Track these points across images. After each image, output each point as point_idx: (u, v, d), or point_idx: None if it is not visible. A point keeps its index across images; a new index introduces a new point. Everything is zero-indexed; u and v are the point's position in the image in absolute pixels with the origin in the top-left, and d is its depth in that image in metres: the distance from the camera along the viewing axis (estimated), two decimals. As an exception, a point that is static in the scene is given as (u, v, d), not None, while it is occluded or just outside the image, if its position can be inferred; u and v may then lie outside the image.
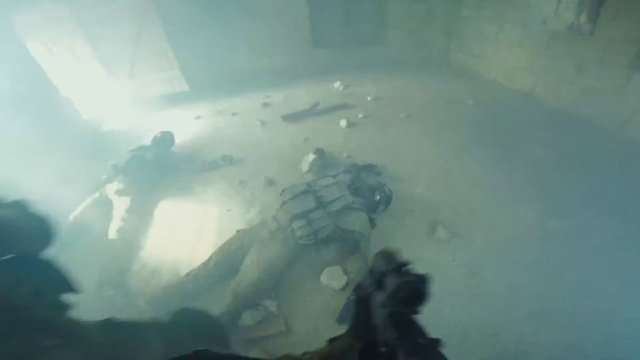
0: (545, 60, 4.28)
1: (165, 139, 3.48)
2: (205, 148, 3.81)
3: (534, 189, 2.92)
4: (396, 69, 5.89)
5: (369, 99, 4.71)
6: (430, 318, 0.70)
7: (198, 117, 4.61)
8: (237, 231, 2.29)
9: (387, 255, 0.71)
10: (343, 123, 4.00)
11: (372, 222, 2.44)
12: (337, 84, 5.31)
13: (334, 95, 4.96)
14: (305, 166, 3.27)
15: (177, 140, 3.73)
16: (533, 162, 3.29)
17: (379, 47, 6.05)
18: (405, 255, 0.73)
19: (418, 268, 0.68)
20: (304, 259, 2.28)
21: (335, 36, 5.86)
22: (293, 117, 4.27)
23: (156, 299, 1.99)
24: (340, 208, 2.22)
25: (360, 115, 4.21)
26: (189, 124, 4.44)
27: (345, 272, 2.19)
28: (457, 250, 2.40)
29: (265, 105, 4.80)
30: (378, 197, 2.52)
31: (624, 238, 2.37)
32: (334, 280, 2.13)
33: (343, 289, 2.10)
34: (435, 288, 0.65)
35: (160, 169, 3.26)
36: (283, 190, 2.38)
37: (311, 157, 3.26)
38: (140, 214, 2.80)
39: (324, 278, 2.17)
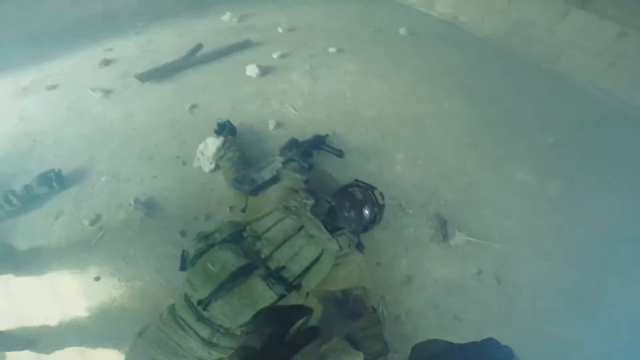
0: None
1: None
2: (6, 163, 1.83)
3: (512, 138, 2.35)
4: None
5: (279, 30, 3.18)
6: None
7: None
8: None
9: None
10: (253, 69, 2.48)
11: (360, 248, 1.38)
12: (226, 16, 3.52)
13: (226, 32, 3.22)
14: (204, 162, 1.77)
15: None
16: (495, 102, 2.65)
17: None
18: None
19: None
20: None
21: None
22: (158, 74, 2.48)
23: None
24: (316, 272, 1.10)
25: (275, 55, 2.73)
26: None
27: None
28: (477, 255, 1.66)
29: (106, 63, 2.70)
30: (368, 212, 1.37)
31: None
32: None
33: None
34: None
35: None
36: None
37: (211, 143, 1.77)
38: None
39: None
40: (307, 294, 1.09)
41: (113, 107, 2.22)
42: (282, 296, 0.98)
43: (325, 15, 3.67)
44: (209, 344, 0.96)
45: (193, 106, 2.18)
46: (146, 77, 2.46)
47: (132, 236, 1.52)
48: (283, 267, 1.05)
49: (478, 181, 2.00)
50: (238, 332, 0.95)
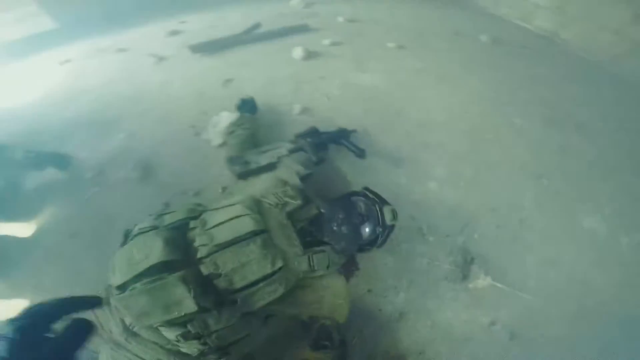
0: (583, 1, 2.98)
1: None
2: (47, 110, 2.03)
3: (591, 176, 1.79)
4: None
5: (340, 19, 2.98)
6: None
7: (66, 62, 2.65)
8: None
9: None
10: (298, 52, 2.32)
11: (352, 269, 1.18)
12: (295, 1, 3.47)
13: (289, 15, 3.15)
14: (214, 135, 1.67)
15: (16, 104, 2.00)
16: (580, 128, 2.05)
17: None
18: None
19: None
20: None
21: None
22: (210, 47, 2.49)
23: None
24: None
25: (326, 42, 2.53)
26: (48, 74, 2.48)
27: None
28: (497, 304, 1.32)
29: (174, 33, 2.86)
30: (368, 231, 1.08)
31: None
32: None
33: None
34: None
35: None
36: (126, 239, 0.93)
37: (226, 117, 1.66)
38: None
39: None
40: (246, 313, 0.85)
41: (160, 72, 2.30)
42: (205, 309, 0.76)
43: (393, 11, 3.35)
44: (129, 331, 0.80)
45: (228, 80, 2.11)
46: (198, 49, 2.49)
47: (120, 199, 1.47)
48: (219, 275, 0.82)
49: (532, 220, 1.54)
50: (143, 333, 0.77)
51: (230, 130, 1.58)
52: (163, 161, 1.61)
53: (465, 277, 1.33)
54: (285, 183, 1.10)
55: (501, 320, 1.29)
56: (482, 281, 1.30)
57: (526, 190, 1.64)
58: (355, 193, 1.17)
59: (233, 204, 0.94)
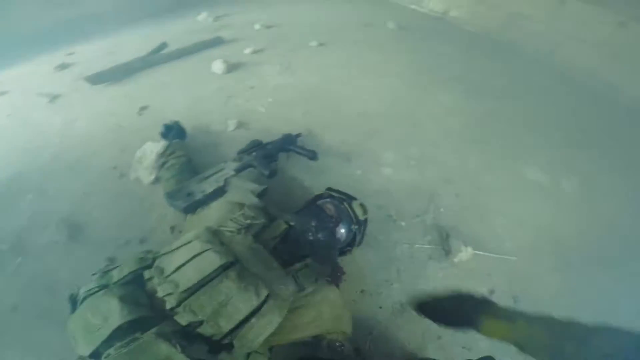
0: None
1: None
2: None
3: (517, 134, 2.00)
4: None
5: (256, 27, 2.89)
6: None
7: None
8: None
9: None
10: (218, 66, 2.16)
11: (336, 276, 1.13)
12: (202, 16, 3.27)
13: (199, 31, 2.93)
14: (142, 172, 1.43)
15: None
16: (495, 96, 2.30)
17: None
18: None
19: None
20: None
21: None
22: (112, 75, 2.17)
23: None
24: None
25: (247, 51, 2.42)
26: None
27: None
28: (488, 272, 1.33)
29: (62, 67, 2.42)
30: (344, 231, 1.03)
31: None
32: None
33: None
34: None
35: None
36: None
37: (151, 149, 1.44)
38: None
39: None
40: (249, 354, 0.73)
41: (56, 113, 1.92)
42: None
43: (308, 11, 3.40)
44: None
45: (143, 108, 1.86)
46: (97, 79, 2.15)
47: (53, 264, 1.20)
48: (200, 323, 0.69)
49: (483, 183, 1.65)
50: None
51: (161, 163, 1.38)
52: (90, 215, 1.34)
53: (447, 252, 1.32)
54: (241, 205, 0.98)
55: (498, 286, 1.28)
56: (464, 253, 1.29)
57: (470, 157, 1.76)
58: (320, 196, 1.10)
59: (188, 242, 0.80)
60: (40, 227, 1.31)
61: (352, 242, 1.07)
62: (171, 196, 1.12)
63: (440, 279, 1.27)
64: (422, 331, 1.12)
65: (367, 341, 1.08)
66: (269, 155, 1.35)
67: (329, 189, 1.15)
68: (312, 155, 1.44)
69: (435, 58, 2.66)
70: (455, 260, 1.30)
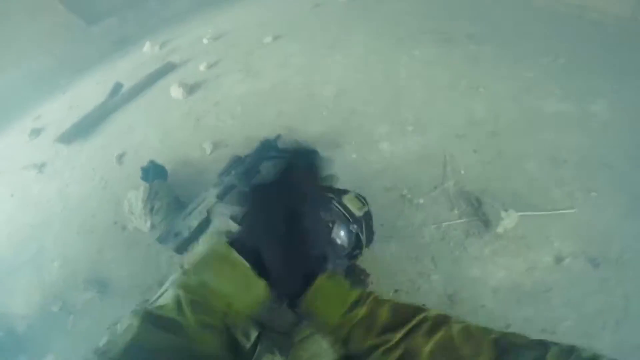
0: None
1: None
2: None
3: (514, 69, 1.74)
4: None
5: (205, 41, 2.75)
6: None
7: None
8: None
9: None
10: (177, 92, 2.04)
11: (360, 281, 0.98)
12: (146, 47, 3.13)
13: (148, 63, 2.81)
14: (138, 221, 1.35)
15: None
16: (471, 37, 2.07)
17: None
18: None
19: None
20: None
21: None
22: (81, 129, 2.09)
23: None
24: None
25: (202, 67, 2.28)
26: None
27: None
28: (546, 235, 1.07)
29: (36, 133, 2.38)
30: (343, 234, 0.85)
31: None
32: None
33: None
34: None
35: None
36: None
37: (135, 197, 1.36)
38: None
39: None
40: None
41: (48, 182, 1.94)
42: None
43: (252, 10, 3.25)
44: None
45: (120, 156, 1.78)
46: (68, 138, 2.07)
47: (98, 316, 1.25)
48: None
49: (499, 129, 1.44)
50: None
51: (150, 208, 1.28)
52: (110, 270, 1.37)
53: (486, 223, 1.08)
54: (228, 233, 0.88)
55: (566, 250, 1.02)
56: (508, 219, 1.04)
57: (472, 104, 1.59)
58: (300, 199, 0.95)
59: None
60: (74, 287, 1.36)
61: (358, 244, 0.89)
62: (161, 240, 1.03)
63: (487, 258, 1.04)
64: (484, 322, 0.95)
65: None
66: (250, 170, 1.22)
67: (310, 186, 0.96)
68: (296, 154, 1.31)
69: (396, 16, 2.51)
70: (499, 230, 1.06)
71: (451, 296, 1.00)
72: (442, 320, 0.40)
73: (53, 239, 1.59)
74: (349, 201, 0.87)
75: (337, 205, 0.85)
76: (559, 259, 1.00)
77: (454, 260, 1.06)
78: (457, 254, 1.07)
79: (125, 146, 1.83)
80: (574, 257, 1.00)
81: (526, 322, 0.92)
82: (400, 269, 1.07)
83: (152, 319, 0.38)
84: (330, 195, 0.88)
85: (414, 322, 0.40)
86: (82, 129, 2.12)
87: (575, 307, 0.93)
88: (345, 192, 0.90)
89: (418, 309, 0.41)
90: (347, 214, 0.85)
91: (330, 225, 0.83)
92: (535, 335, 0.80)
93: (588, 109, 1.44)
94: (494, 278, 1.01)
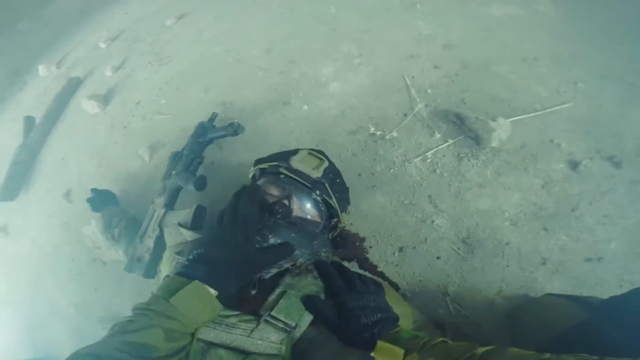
0: None
1: None
2: None
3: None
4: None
5: (102, 45, 2.35)
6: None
7: None
8: None
9: None
10: (91, 106, 1.77)
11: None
12: (42, 70, 2.70)
13: (50, 86, 2.41)
14: (108, 253, 1.24)
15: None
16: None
17: None
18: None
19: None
20: None
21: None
22: (16, 182, 1.84)
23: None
24: None
25: (108, 72, 2.00)
26: None
27: None
28: (549, 137, 0.98)
29: None
30: (310, 206, 0.70)
31: None
32: None
33: None
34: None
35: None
36: None
37: (92, 230, 1.22)
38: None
39: None
40: None
41: (18, 241, 1.73)
42: None
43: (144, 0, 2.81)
44: None
45: (67, 193, 1.60)
46: (9, 193, 1.83)
47: None
48: None
49: (453, 39, 1.35)
50: None
51: (111, 236, 1.15)
52: (114, 305, 1.31)
53: (477, 139, 0.94)
54: (185, 243, 0.80)
55: (578, 151, 0.90)
56: (500, 130, 0.91)
57: (416, 22, 1.47)
58: (254, 181, 0.82)
59: None
60: (94, 329, 1.30)
61: (331, 211, 0.75)
62: (128, 269, 0.96)
63: (492, 181, 0.92)
64: (517, 261, 0.83)
65: (448, 303, 0.82)
66: (191, 162, 1.10)
67: (257, 161, 0.80)
68: (234, 129, 1.13)
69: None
70: (494, 144, 0.94)
71: (466, 240, 0.88)
72: (491, 352, 0.40)
73: (55, 289, 1.48)
74: (299, 163, 0.72)
75: (286, 172, 0.70)
76: (573, 164, 0.90)
77: (455, 194, 0.92)
78: (456, 185, 0.94)
79: (67, 181, 1.64)
80: (589, 159, 0.89)
81: (564, 253, 0.81)
82: (398, 221, 0.94)
83: None
84: (274, 163, 0.73)
85: None
86: (17, 179, 1.87)
87: (614, 223, 0.81)
88: (293, 152, 0.75)
89: (469, 347, 0.42)
90: (302, 180, 0.69)
91: (286, 202, 0.67)
92: (580, 266, 0.73)
93: (536, 9, 1.39)
94: (508, 204, 0.89)
